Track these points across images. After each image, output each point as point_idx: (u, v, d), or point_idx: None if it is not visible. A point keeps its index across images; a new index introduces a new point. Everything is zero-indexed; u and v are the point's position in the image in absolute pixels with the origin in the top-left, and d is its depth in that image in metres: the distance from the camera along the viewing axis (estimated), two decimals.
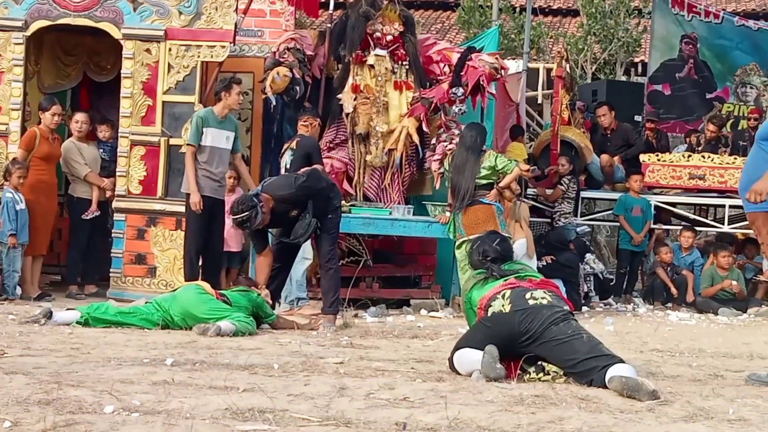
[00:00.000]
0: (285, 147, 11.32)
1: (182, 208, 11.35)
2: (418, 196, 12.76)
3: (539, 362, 6.50)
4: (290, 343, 8.23)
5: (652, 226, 14.71)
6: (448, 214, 11.49)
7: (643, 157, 14.71)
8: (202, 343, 7.85)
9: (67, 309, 9.21)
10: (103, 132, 12.38)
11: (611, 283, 14.23)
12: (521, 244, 12.00)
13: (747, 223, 15.51)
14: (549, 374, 6.45)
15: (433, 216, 11.84)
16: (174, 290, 9.43)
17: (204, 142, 10.54)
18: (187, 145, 10.66)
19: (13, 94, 11.74)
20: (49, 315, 8.71)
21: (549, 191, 14.22)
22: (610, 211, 15.01)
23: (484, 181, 11.19)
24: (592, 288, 13.70)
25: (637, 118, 16.60)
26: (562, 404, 5.63)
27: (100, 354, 7.05)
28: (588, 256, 13.94)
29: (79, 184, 11.87)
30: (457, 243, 11.12)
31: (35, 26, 11.75)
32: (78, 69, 13.11)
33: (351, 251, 12.09)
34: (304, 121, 11.28)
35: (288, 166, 10.93)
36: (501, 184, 11.28)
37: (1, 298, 10.80)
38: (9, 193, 11.10)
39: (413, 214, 11.96)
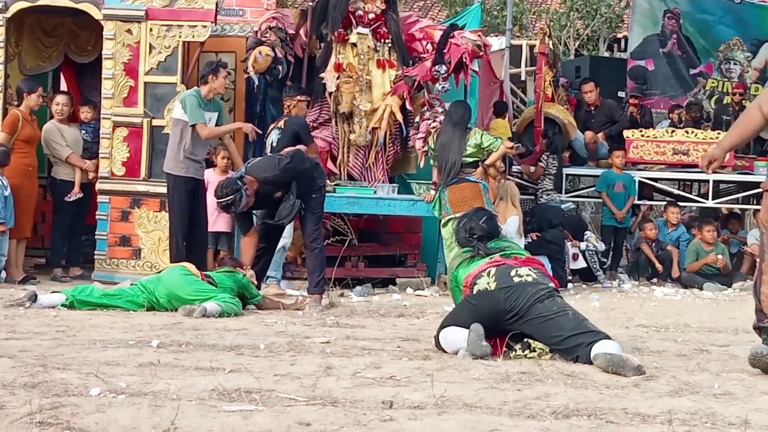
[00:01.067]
0: (272, 126, 11.26)
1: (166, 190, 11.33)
2: (402, 174, 12.76)
3: (525, 339, 6.52)
4: (276, 323, 8.22)
5: (636, 201, 14.73)
6: (432, 192, 11.49)
7: (626, 133, 14.72)
8: (187, 325, 7.84)
9: (52, 292, 9.19)
10: (85, 113, 12.32)
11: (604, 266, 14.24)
12: (514, 221, 12.05)
13: (731, 198, 15.66)
14: (535, 351, 6.46)
15: (417, 194, 11.83)
16: (159, 272, 9.42)
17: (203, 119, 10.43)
18: (196, 125, 10.36)
19: None
20: (33, 298, 8.69)
21: (532, 168, 14.23)
22: (594, 188, 15.03)
23: (470, 159, 11.20)
24: (597, 267, 13.75)
25: (621, 94, 16.61)
26: (548, 381, 5.64)
27: (86, 336, 7.04)
28: (587, 233, 13.97)
29: (62, 166, 11.83)
30: (443, 221, 11.12)
31: (15, 7, 11.68)
32: (59, 50, 13.05)
33: (336, 231, 12.09)
34: (294, 101, 11.28)
35: (274, 145, 10.88)
36: (487, 162, 11.31)
37: None
38: None
39: (398, 193, 11.96)
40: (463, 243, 7.26)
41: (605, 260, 14.27)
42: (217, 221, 11.58)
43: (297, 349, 6.69)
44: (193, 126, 10.37)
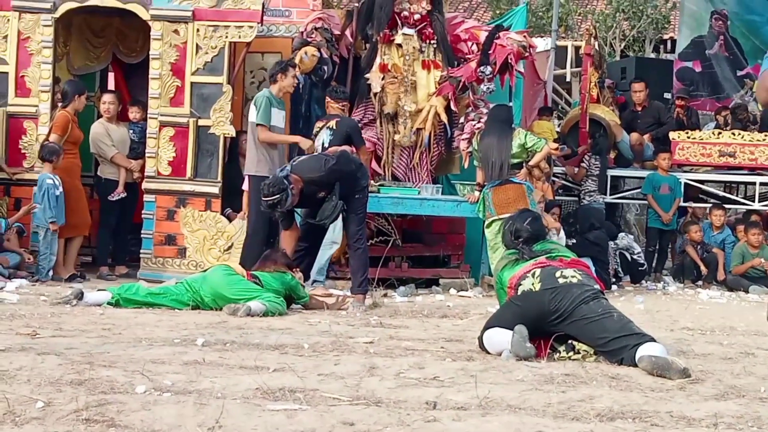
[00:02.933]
0: (320, 125, 11.21)
1: (212, 189, 11.45)
2: (446, 175, 12.75)
3: (569, 341, 6.49)
4: (320, 323, 8.24)
5: (682, 204, 14.64)
6: (477, 193, 11.48)
7: (672, 135, 14.63)
8: (232, 324, 7.87)
9: (98, 290, 9.27)
10: (134, 113, 12.39)
11: (640, 267, 14.07)
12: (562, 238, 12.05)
13: None
14: (579, 353, 6.44)
15: (461, 195, 11.84)
16: (204, 271, 9.47)
17: (270, 122, 10.73)
18: (259, 125, 10.71)
19: (42, 76, 11.77)
20: (80, 296, 8.76)
21: (576, 170, 14.19)
22: (639, 190, 14.94)
23: (515, 160, 11.19)
24: (619, 267, 13.66)
25: (667, 95, 16.51)
26: (593, 383, 5.62)
27: (132, 334, 7.08)
28: (622, 235, 13.89)
29: (108, 166, 11.92)
30: (486, 222, 11.10)
31: (64, 8, 11.78)
32: (107, 50, 13.15)
33: (380, 231, 12.10)
34: (339, 103, 11.31)
35: (326, 145, 10.86)
36: (531, 163, 11.30)
37: (33, 279, 10.87)
38: (49, 178, 11.19)
39: (442, 194, 11.95)
40: (508, 245, 7.25)
41: (642, 261, 14.11)
42: None
43: (341, 348, 6.71)
44: (258, 127, 10.66)
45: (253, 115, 10.85)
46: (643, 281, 13.85)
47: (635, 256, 13.83)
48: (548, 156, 11.72)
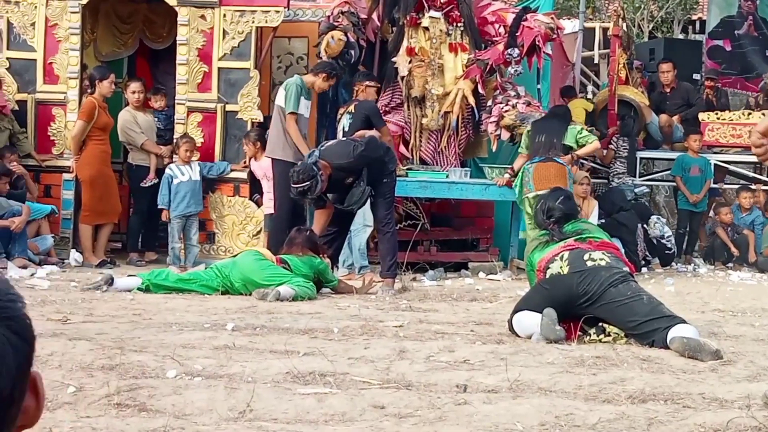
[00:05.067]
0: (342, 111, 11.27)
1: (241, 175, 11.47)
2: (474, 158, 12.73)
3: (600, 323, 6.47)
4: (349, 307, 8.25)
5: (713, 185, 14.55)
6: (506, 176, 11.45)
7: (702, 116, 14.53)
8: (261, 308, 7.89)
9: (129, 276, 9.31)
10: (158, 102, 12.41)
11: (667, 251, 13.97)
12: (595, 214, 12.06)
13: None
14: (610, 335, 6.42)
15: (490, 178, 11.79)
16: (234, 256, 9.49)
17: (298, 110, 10.75)
18: (290, 113, 10.69)
19: (70, 63, 11.81)
20: (110, 282, 8.80)
21: (605, 152, 14.13)
22: (669, 171, 14.86)
23: (564, 142, 11.23)
24: (646, 250, 13.60)
25: (696, 76, 16.39)
26: (624, 365, 5.61)
27: (162, 320, 7.11)
28: (654, 219, 13.81)
29: (137, 152, 11.92)
30: (523, 197, 11.04)
31: None
32: (134, 37, 13.16)
33: (408, 215, 12.08)
34: (363, 86, 11.30)
35: (346, 130, 10.89)
36: (578, 152, 11.34)
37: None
38: (169, 169, 11.40)
39: (470, 177, 11.92)
40: (540, 224, 7.22)
41: (669, 245, 14.00)
42: (270, 203, 11.60)
43: (370, 332, 6.71)
44: (287, 113, 10.69)
45: (281, 100, 10.86)
46: (672, 263, 13.77)
47: (664, 240, 13.76)
48: (593, 152, 11.89)
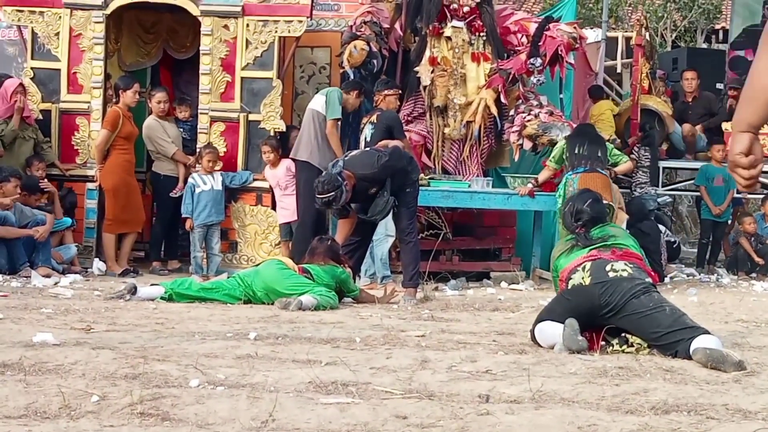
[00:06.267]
0: (364, 121, 11.32)
1: (263, 184, 11.51)
2: (496, 168, 12.72)
3: (622, 334, 6.45)
4: (371, 316, 8.24)
5: (736, 195, 14.49)
6: (529, 185, 11.44)
7: (725, 125, 14.47)
8: (284, 317, 7.90)
9: (151, 285, 9.34)
10: (182, 112, 12.45)
11: (673, 246, 13.98)
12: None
13: None
14: (632, 346, 6.40)
15: (512, 188, 11.78)
16: (256, 265, 9.51)
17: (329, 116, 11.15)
18: (333, 119, 11.08)
19: (94, 73, 11.87)
20: (133, 291, 8.82)
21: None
22: (692, 181, 14.81)
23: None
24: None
25: (719, 86, 16.34)
26: (647, 376, 5.59)
27: (185, 329, 7.12)
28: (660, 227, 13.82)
29: (165, 162, 11.95)
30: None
31: (114, 4, 11.87)
32: (158, 47, 13.22)
33: (430, 224, 12.07)
34: (382, 95, 11.35)
35: (368, 140, 10.93)
36: (617, 170, 11.57)
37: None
38: (192, 178, 11.46)
39: (492, 187, 11.91)
40: (568, 227, 7.18)
41: (671, 239, 13.97)
42: (284, 212, 11.63)
43: (392, 342, 6.71)
44: (329, 120, 11.05)
45: (318, 105, 11.16)
46: (694, 270, 13.74)
47: (666, 237, 13.74)
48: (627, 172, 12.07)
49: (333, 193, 9.06)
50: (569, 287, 6.70)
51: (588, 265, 6.68)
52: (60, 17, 11.87)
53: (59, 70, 11.93)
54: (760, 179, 14.90)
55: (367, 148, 10.32)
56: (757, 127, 3.18)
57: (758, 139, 3.23)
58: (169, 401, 4.65)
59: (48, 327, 6.90)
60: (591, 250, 6.82)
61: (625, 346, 6.41)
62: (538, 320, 6.70)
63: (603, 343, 6.46)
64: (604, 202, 7.54)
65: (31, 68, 11.99)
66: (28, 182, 11.15)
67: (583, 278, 6.63)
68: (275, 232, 11.74)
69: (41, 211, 11.01)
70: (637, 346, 6.39)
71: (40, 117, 11.89)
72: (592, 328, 6.50)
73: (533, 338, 6.68)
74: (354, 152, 10.00)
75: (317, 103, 11.22)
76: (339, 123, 11.25)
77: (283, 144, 12.01)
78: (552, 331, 6.49)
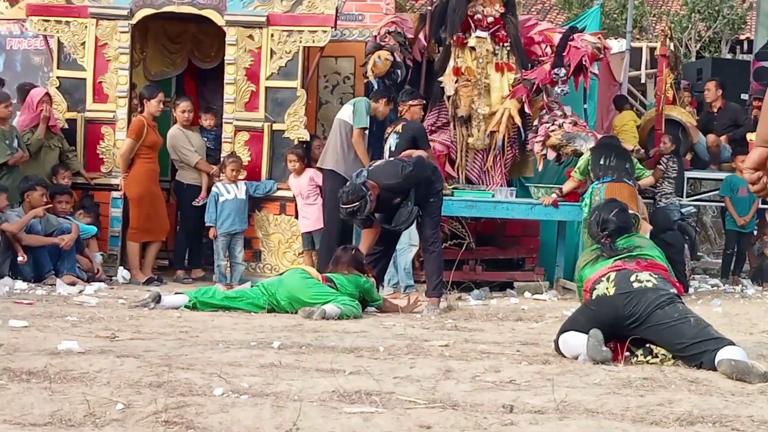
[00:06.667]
0: (389, 131, 11.33)
1: (287, 193, 11.54)
2: (520, 178, 12.71)
3: (647, 345, 6.43)
4: (395, 326, 8.25)
5: (761, 205, 14.42)
6: (553, 196, 11.43)
7: (750, 136, 14.40)
8: (307, 327, 7.91)
9: (176, 293, 9.37)
10: (207, 120, 12.49)
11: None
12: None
13: None
14: (657, 357, 6.38)
15: (536, 198, 11.76)
16: (280, 274, 9.52)
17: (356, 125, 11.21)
18: (361, 128, 11.12)
19: (119, 82, 11.91)
20: (157, 299, 8.86)
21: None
22: (716, 192, 14.75)
23: None
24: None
25: (744, 96, 16.27)
26: (672, 387, 5.57)
27: (209, 337, 7.14)
28: None
29: (188, 171, 11.98)
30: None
31: (140, 14, 11.91)
32: (183, 56, 13.27)
33: (454, 234, 12.06)
34: (407, 105, 11.37)
35: (393, 150, 10.95)
36: (641, 183, 11.66)
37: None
38: (216, 187, 11.53)
39: (516, 196, 11.90)
40: (594, 237, 7.16)
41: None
42: (305, 221, 11.64)
43: (416, 351, 6.71)
44: (356, 129, 11.11)
45: (346, 115, 11.22)
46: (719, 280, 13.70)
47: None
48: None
49: (357, 204, 9.07)
50: (593, 297, 6.69)
51: (613, 275, 6.66)
52: (86, 27, 11.92)
53: (85, 79, 11.98)
54: None
55: (391, 158, 10.33)
56: None
57: None
58: (193, 410, 4.66)
59: (73, 335, 6.93)
60: (616, 260, 6.81)
61: (649, 357, 6.39)
62: (562, 330, 6.69)
63: (627, 353, 6.44)
64: (630, 212, 7.48)
65: (57, 77, 12.05)
66: (55, 188, 11.26)
67: (607, 288, 6.62)
68: (299, 241, 11.76)
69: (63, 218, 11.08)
70: (662, 356, 6.37)
71: (66, 126, 11.95)
72: (617, 339, 6.49)
73: (557, 348, 6.67)
74: (378, 162, 10.01)
75: (345, 112, 11.28)
76: (365, 132, 11.26)
77: (306, 152, 12.05)
78: (576, 342, 6.48)
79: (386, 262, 10.07)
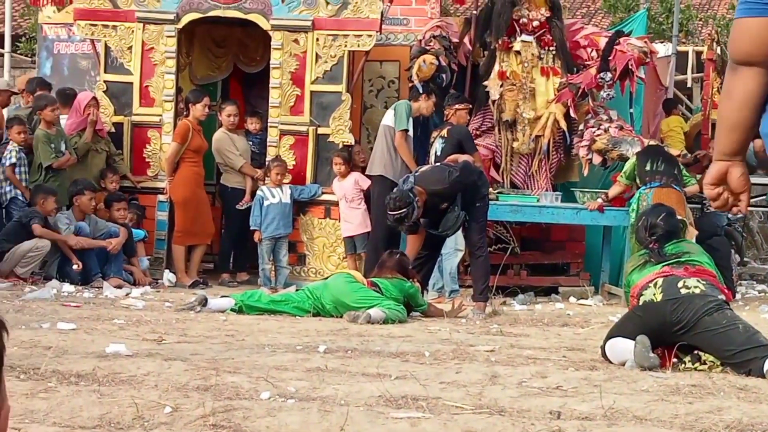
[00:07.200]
0: (435, 135, 11.32)
1: (332, 197, 11.55)
2: (565, 182, 12.65)
3: (695, 351, 6.39)
4: (440, 330, 8.24)
5: None
6: (599, 200, 11.37)
7: None
8: (353, 331, 7.92)
9: (222, 296, 9.41)
10: (253, 124, 12.53)
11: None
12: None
13: None
14: (705, 363, 6.33)
15: (581, 202, 11.71)
16: (325, 278, 9.54)
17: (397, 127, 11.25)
18: (402, 130, 11.16)
19: (166, 86, 11.98)
20: (204, 302, 8.90)
21: (698, 177, 13.95)
22: (764, 197, 14.63)
23: None
24: None
25: None
26: (720, 394, 5.52)
27: (255, 341, 7.17)
28: None
29: (233, 175, 12.01)
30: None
31: (186, 19, 11.98)
32: (228, 60, 13.31)
33: (498, 239, 12.03)
34: (453, 109, 11.37)
35: (438, 154, 10.95)
36: (687, 190, 11.44)
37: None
38: (261, 191, 11.56)
39: (561, 201, 11.85)
40: (642, 242, 7.11)
41: None
42: (347, 225, 11.65)
43: (462, 356, 6.70)
44: (397, 132, 11.15)
45: (389, 120, 11.25)
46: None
47: None
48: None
49: (405, 210, 9.06)
50: (641, 303, 6.65)
51: (660, 281, 6.62)
52: (133, 31, 11.99)
53: (131, 83, 12.06)
54: None
55: (438, 164, 10.33)
56: (729, 153, 3.13)
57: (738, 164, 3.17)
58: (240, 413, 4.68)
59: (120, 338, 6.98)
60: (664, 266, 6.76)
61: (697, 364, 6.35)
62: (609, 336, 6.66)
63: (675, 360, 6.40)
64: (678, 217, 7.43)
65: (104, 81, 12.14)
66: (110, 196, 11.39)
67: (654, 294, 6.58)
68: (343, 244, 11.77)
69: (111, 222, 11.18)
70: (710, 363, 6.32)
71: (113, 130, 12.03)
72: (664, 345, 6.44)
73: (604, 354, 6.64)
74: (424, 168, 10.00)
75: (388, 118, 11.32)
76: (408, 134, 11.26)
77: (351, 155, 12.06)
78: (623, 348, 6.44)
79: (431, 267, 10.06)
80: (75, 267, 10.62)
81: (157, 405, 4.79)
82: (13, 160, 11.16)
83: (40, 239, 10.55)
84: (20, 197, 11.19)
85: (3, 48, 17.46)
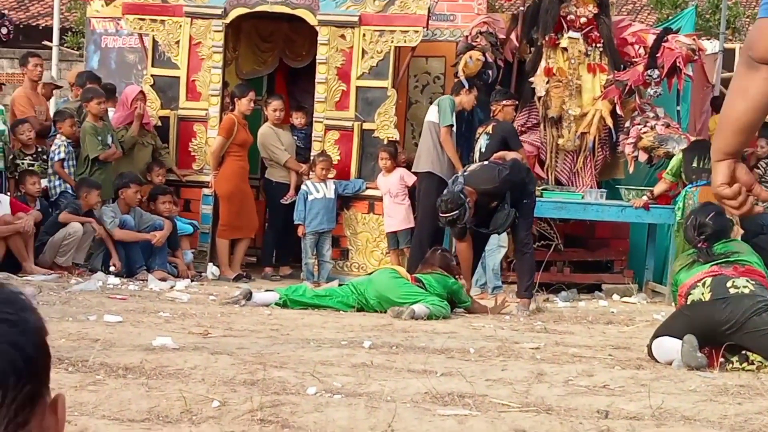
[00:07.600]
0: (480, 131, 11.31)
1: (375, 192, 11.53)
2: (610, 179, 12.59)
3: (743, 351, 6.33)
4: (484, 327, 8.23)
5: None
6: (644, 198, 11.30)
7: None
8: (397, 326, 7.92)
9: (266, 290, 9.43)
10: (298, 119, 12.55)
11: None
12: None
13: None
14: (753, 363, 6.28)
15: (626, 200, 11.64)
16: (369, 274, 9.55)
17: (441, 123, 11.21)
18: (447, 126, 11.12)
19: (212, 81, 12.02)
20: (248, 296, 8.93)
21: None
22: None
23: None
24: None
25: None
26: None
27: (300, 335, 7.19)
28: None
29: (277, 169, 12.04)
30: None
31: (234, 14, 12.00)
32: (274, 55, 13.32)
33: (542, 235, 11.98)
34: (500, 105, 11.35)
35: (483, 150, 10.94)
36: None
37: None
38: (305, 186, 11.59)
39: (606, 198, 11.79)
40: (690, 240, 7.06)
41: None
42: (390, 221, 11.64)
43: (507, 354, 6.69)
44: (442, 128, 11.07)
45: (433, 116, 11.22)
46: None
47: None
48: None
49: (457, 212, 9.05)
50: (688, 303, 6.61)
51: (708, 280, 6.57)
52: (180, 26, 12.04)
53: (178, 77, 12.11)
54: None
55: (485, 162, 10.28)
56: (732, 153, 3.08)
57: (739, 162, 3.12)
58: (288, 408, 4.69)
59: (166, 331, 7.02)
60: (712, 265, 6.71)
61: (745, 364, 6.30)
62: (656, 335, 6.62)
63: (722, 360, 6.35)
64: (727, 216, 7.35)
65: (151, 75, 12.20)
66: (155, 189, 11.45)
67: (703, 294, 6.53)
68: (386, 240, 11.77)
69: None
70: (758, 363, 6.27)
71: (159, 123, 12.09)
72: (711, 345, 6.40)
73: (650, 353, 6.61)
74: (472, 167, 9.97)
75: (431, 114, 11.29)
76: (453, 129, 11.24)
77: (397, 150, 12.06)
78: (670, 347, 6.40)
79: (475, 263, 10.05)
80: (113, 267, 10.68)
81: (205, 399, 4.82)
82: (62, 155, 11.24)
83: (72, 225, 10.59)
84: (70, 191, 11.27)
85: (51, 41, 17.58)
